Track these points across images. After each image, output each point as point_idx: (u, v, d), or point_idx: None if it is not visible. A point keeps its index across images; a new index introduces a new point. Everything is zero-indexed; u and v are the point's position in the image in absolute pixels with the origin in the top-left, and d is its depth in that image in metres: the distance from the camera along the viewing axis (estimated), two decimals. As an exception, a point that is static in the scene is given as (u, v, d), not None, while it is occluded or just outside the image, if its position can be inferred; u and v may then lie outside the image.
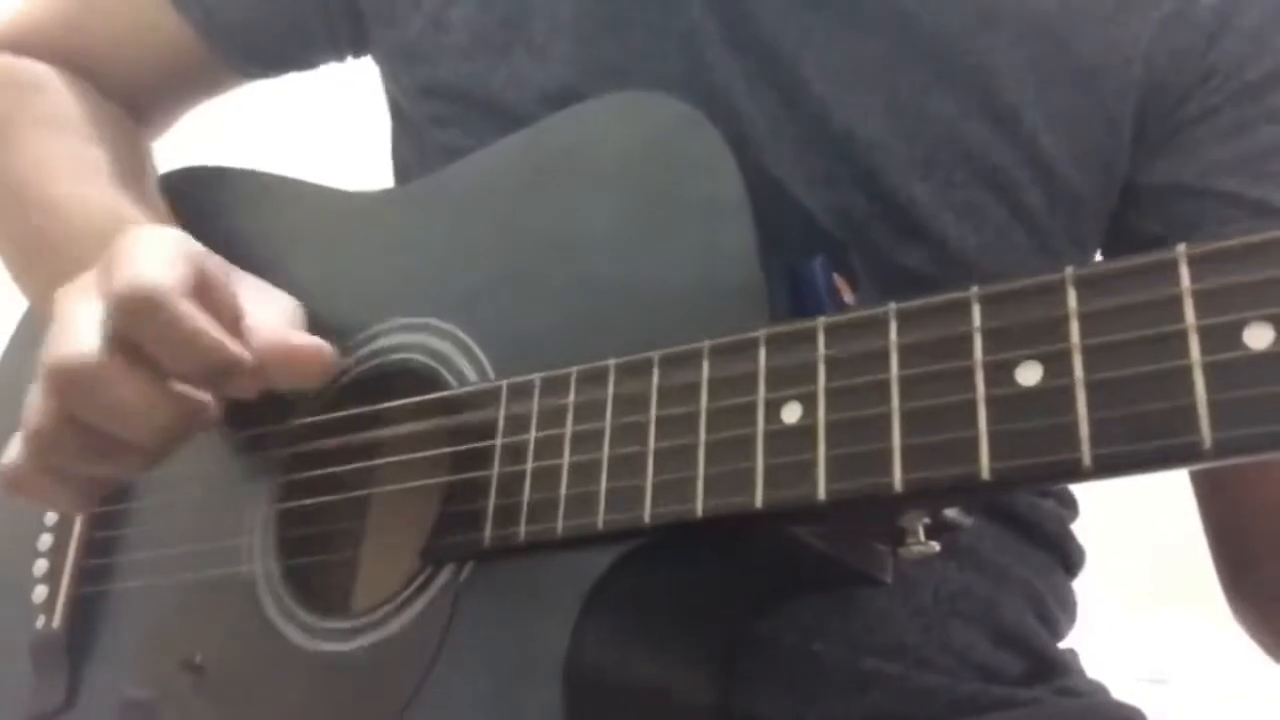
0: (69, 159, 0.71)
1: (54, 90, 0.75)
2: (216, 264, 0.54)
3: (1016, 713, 0.62)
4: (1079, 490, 0.70)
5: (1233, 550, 0.65)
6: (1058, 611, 0.67)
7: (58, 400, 0.50)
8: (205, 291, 0.51)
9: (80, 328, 0.49)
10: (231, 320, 0.52)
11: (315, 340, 0.54)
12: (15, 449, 0.52)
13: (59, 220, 0.68)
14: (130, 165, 0.72)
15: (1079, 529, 0.70)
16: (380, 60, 0.73)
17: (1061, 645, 0.68)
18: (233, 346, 0.50)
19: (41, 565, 0.66)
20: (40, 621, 0.65)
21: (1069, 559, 0.68)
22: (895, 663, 0.59)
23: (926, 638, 0.60)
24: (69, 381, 0.49)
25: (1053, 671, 0.65)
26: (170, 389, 0.50)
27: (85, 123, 0.73)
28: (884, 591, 0.58)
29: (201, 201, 0.71)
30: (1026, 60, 0.60)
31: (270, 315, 0.56)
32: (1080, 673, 0.67)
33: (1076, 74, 0.60)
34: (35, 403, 0.51)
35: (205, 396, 0.52)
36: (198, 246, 0.54)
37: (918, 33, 0.60)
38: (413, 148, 0.71)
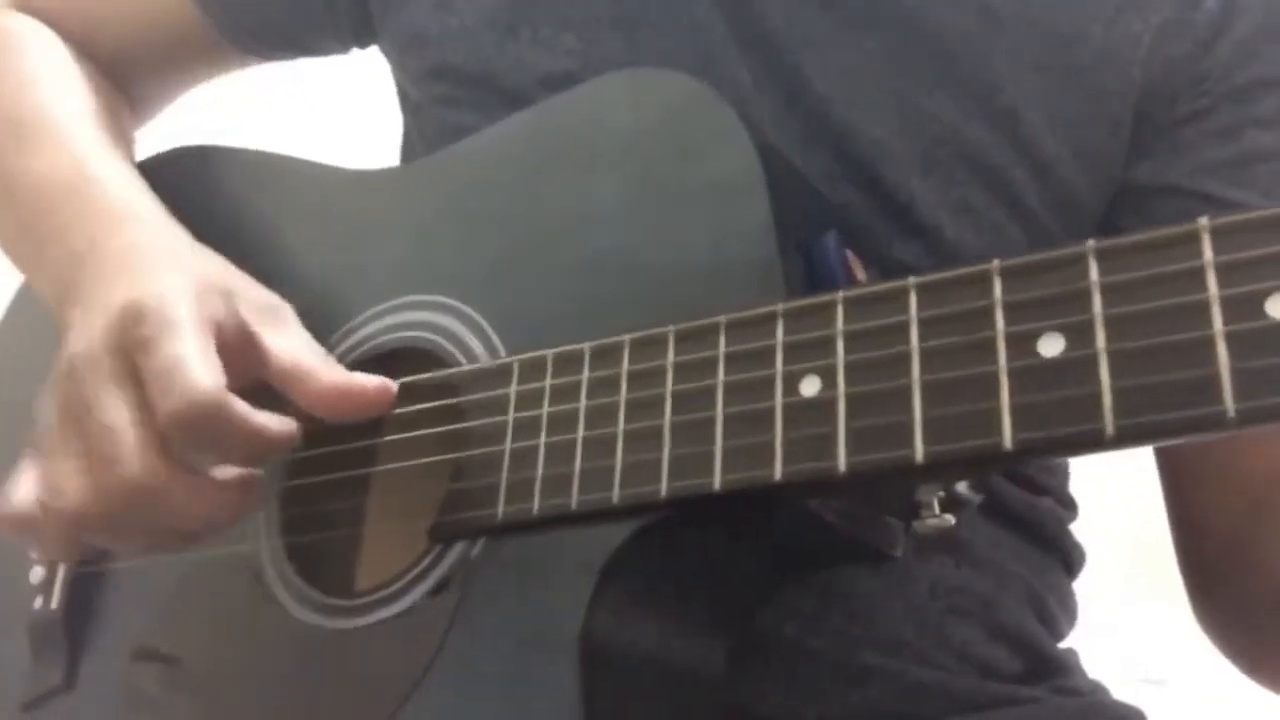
0: (42, 117, 0.70)
1: (41, 50, 0.75)
2: (224, 301, 0.53)
3: (1016, 711, 0.62)
4: (1077, 491, 0.70)
5: (1195, 552, 0.65)
6: (1058, 612, 0.67)
7: (112, 512, 0.50)
8: (229, 350, 0.51)
9: (120, 440, 0.49)
10: (257, 364, 0.53)
11: (378, 380, 0.54)
12: (26, 492, 0.52)
13: (25, 175, 0.68)
14: (106, 126, 0.72)
15: (1078, 529, 0.70)
16: (387, 46, 0.72)
17: (1061, 645, 0.67)
18: (284, 429, 0.51)
19: (39, 546, 0.66)
20: (38, 602, 0.64)
21: (1069, 560, 0.69)
22: (893, 659, 0.59)
23: (924, 634, 0.60)
24: (127, 500, 0.49)
25: (1052, 671, 0.65)
26: (220, 478, 0.51)
27: (65, 82, 0.73)
28: (883, 588, 0.58)
29: (196, 182, 0.71)
30: (1027, 62, 0.60)
31: (290, 342, 0.55)
32: (1080, 672, 0.67)
33: (1076, 76, 0.61)
34: (71, 487, 0.50)
35: (252, 473, 0.52)
36: (204, 283, 0.53)
37: (919, 33, 0.61)
38: (421, 133, 0.71)
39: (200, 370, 0.49)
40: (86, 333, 0.52)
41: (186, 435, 0.49)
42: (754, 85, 0.61)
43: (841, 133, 0.60)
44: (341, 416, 0.54)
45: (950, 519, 0.44)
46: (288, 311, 0.57)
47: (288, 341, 0.55)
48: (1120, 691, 0.67)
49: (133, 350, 0.50)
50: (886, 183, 0.60)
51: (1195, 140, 0.61)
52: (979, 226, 0.61)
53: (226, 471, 0.51)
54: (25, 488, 0.53)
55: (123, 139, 0.74)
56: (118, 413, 0.50)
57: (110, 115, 0.74)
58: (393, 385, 0.54)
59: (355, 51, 0.77)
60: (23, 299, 0.76)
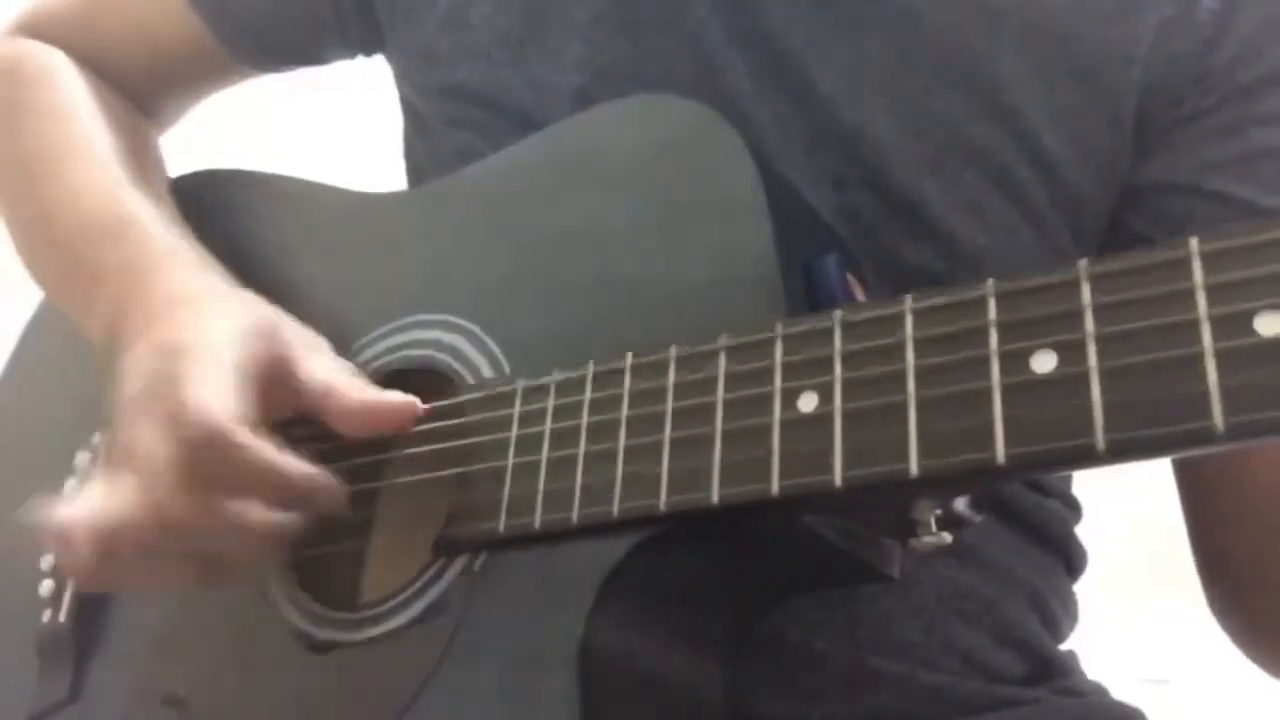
0: (72, 150, 0.71)
1: (62, 79, 0.76)
2: (267, 342, 0.55)
3: (1017, 712, 0.62)
4: (1080, 490, 0.71)
5: (1211, 549, 0.65)
6: (1060, 613, 0.68)
7: (142, 529, 0.50)
8: (268, 382, 0.53)
9: (153, 463, 0.50)
10: (293, 392, 0.54)
11: (404, 397, 0.55)
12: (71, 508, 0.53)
13: (62, 213, 0.68)
14: (134, 155, 0.72)
15: (1080, 530, 0.70)
16: (394, 60, 0.73)
17: (1062, 646, 0.68)
18: (306, 470, 0.52)
19: (48, 559, 0.66)
20: (46, 615, 0.65)
21: (1072, 561, 0.69)
22: (898, 662, 0.59)
23: (929, 637, 0.60)
24: (157, 523, 0.50)
25: (1054, 672, 0.65)
26: (254, 515, 0.51)
27: (91, 112, 0.74)
28: (887, 591, 0.59)
29: (215, 205, 0.72)
30: (1029, 61, 0.61)
31: (323, 365, 0.57)
32: (1080, 673, 0.68)
33: (1078, 75, 0.61)
34: (116, 497, 0.51)
35: (288, 517, 0.53)
36: (244, 322, 0.55)
37: (921, 33, 0.61)
38: (427, 150, 0.71)
39: (215, 400, 0.50)
40: (136, 374, 0.54)
41: (199, 464, 0.50)
42: (756, 90, 0.61)
43: (848, 134, 0.60)
44: (368, 432, 0.55)
45: (947, 537, 0.45)
46: (325, 347, 0.59)
47: (321, 364, 0.56)
48: (1121, 691, 0.68)
49: (165, 386, 0.52)
50: (896, 184, 0.60)
51: (1198, 138, 0.61)
52: (990, 227, 0.61)
53: (251, 511, 0.52)
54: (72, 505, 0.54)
55: (153, 168, 0.75)
56: (154, 444, 0.51)
57: (139, 144, 0.75)
58: (418, 402, 0.55)
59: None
60: (39, 324, 0.77)
